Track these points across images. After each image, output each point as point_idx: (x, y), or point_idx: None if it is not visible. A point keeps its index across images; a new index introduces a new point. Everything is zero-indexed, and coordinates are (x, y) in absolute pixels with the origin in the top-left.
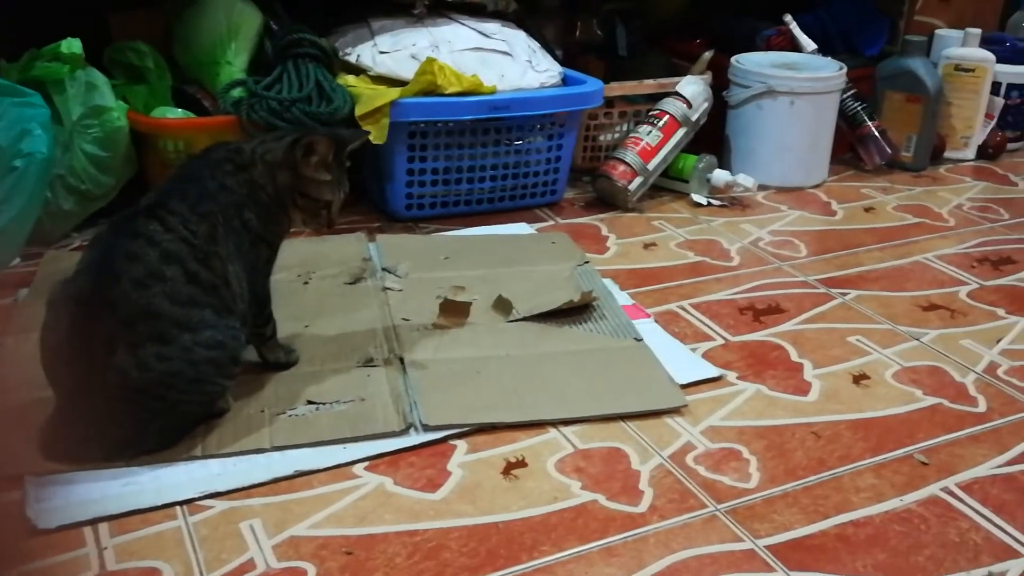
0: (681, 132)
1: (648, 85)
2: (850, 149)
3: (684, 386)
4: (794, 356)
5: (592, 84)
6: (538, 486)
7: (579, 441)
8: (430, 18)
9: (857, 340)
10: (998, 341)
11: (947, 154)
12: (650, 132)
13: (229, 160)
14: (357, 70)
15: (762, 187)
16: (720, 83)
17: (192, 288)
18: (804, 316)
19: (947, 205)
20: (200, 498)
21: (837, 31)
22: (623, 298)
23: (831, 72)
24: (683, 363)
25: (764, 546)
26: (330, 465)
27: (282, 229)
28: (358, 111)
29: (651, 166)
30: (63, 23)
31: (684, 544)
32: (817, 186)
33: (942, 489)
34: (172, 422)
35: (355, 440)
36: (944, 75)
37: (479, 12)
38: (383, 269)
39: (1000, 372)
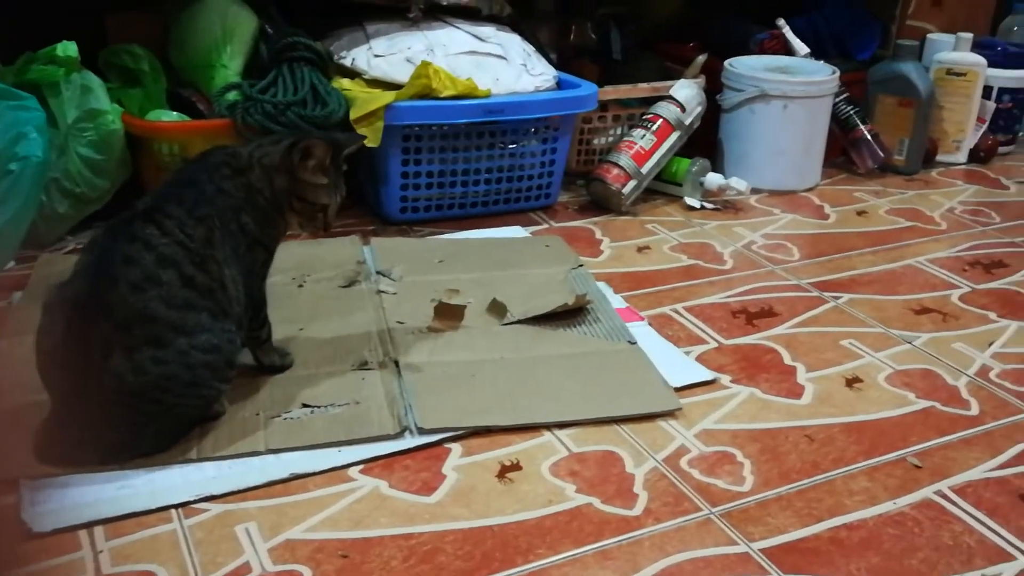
0: (675, 136)
1: (642, 89)
2: (843, 153)
3: (678, 389)
4: (787, 359)
5: (586, 88)
6: (533, 489)
7: (573, 444)
8: (425, 22)
9: (850, 343)
10: (990, 344)
11: (939, 158)
12: (644, 136)
13: (226, 164)
14: (352, 73)
15: (755, 191)
16: (713, 87)
17: (188, 292)
18: (797, 319)
19: (939, 208)
20: (195, 501)
21: (830, 35)
22: (617, 301)
23: (824, 76)
24: (677, 366)
25: (758, 549)
26: (325, 468)
27: (278, 232)
28: (353, 114)
29: (645, 169)
30: (58, 26)
31: (679, 547)
32: (810, 190)
33: (935, 492)
34: (167, 425)
35: (350, 443)
36: (936, 79)
37: (474, 16)
38: (377, 272)
39: (992, 375)
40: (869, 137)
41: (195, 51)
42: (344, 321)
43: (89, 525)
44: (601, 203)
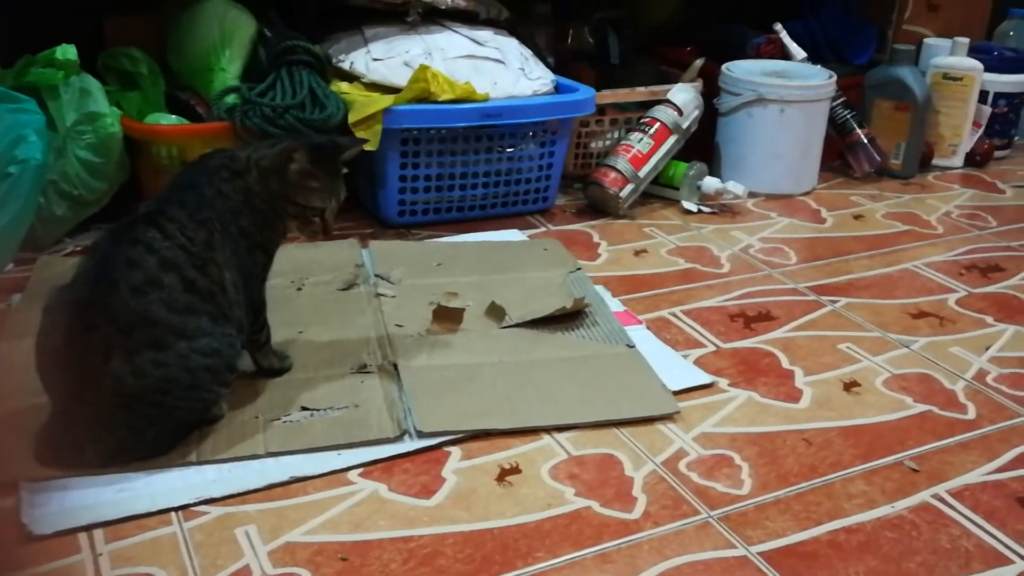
0: (672, 139)
1: (639, 93)
2: (839, 157)
3: (676, 393)
4: (785, 363)
5: (584, 92)
6: (532, 492)
7: (572, 448)
8: (423, 26)
9: (847, 347)
10: (987, 348)
11: (935, 162)
12: (641, 139)
13: (226, 167)
14: (350, 77)
15: (752, 194)
16: (711, 91)
17: (189, 296)
18: (795, 323)
19: (936, 212)
20: (195, 504)
21: (825, 40)
22: (615, 304)
23: (821, 80)
24: (675, 370)
25: (757, 553)
26: (325, 471)
27: (278, 236)
28: (351, 118)
29: (642, 173)
30: (57, 29)
31: (678, 551)
32: (807, 193)
33: (933, 496)
34: (166, 429)
35: (349, 446)
36: (932, 83)
37: (472, 20)
38: (376, 275)
39: (989, 379)
40: (866, 141)
41: (194, 54)
42: (343, 324)
43: (89, 528)
44: (598, 207)
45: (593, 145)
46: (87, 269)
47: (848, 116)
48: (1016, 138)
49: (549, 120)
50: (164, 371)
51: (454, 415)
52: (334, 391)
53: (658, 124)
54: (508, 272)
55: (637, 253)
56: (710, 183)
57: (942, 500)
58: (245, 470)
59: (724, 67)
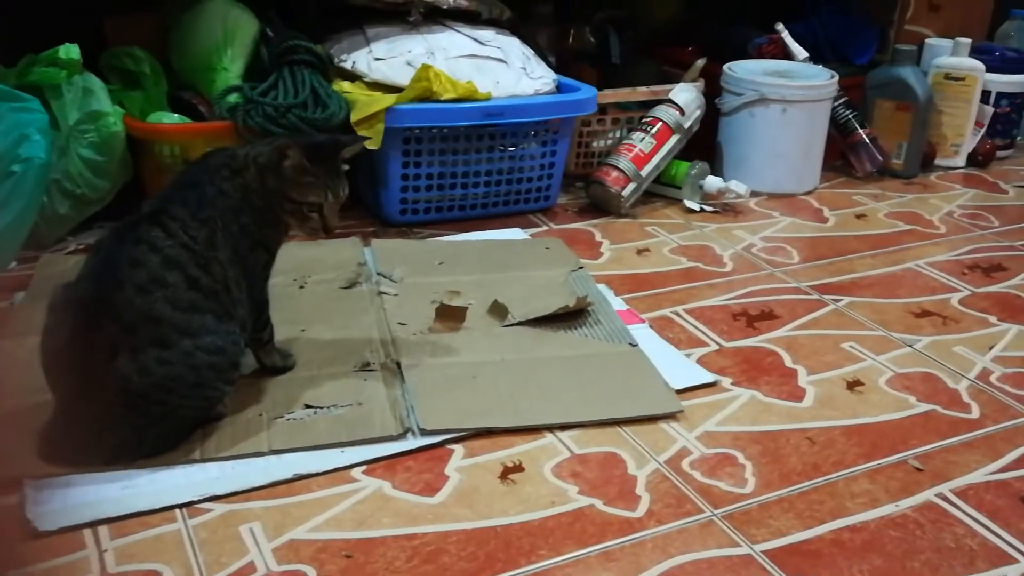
0: (674, 139)
1: (641, 92)
2: (841, 156)
3: (679, 391)
4: (788, 362)
5: (586, 91)
6: (535, 491)
7: (575, 446)
8: (425, 25)
9: (850, 346)
10: (990, 348)
11: (937, 162)
12: (643, 139)
13: (226, 165)
14: (352, 76)
15: (754, 193)
16: (712, 91)
17: (193, 294)
18: (797, 322)
19: (938, 212)
20: (199, 501)
21: (827, 40)
22: (617, 303)
23: (823, 80)
24: (678, 368)
25: (761, 551)
26: (328, 469)
27: (279, 234)
28: (353, 117)
29: (644, 172)
30: (60, 28)
31: (681, 549)
32: (809, 193)
33: (937, 495)
34: (170, 427)
35: (353, 444)
36: (934, 83)
37: (474, 19)
38: (378, 274)
39: (993, 379)
40: (868, 141)
41: (196, 54)
42: (345, 322)
43: (93, 524)
44: (600, 206)
45: (595, 144)
46: (91, 268)
47: (850, 116)
48: (1018, 138)
49: (551, 119)
50: (168, 369)
51: (457, 413)
52: (337, 389)
53: (660, 123)
54: (510, 271)
55: (639, 252)
56: (712, 182)
57: (946, 499)
58: (249, 467)
59: (726, 67)
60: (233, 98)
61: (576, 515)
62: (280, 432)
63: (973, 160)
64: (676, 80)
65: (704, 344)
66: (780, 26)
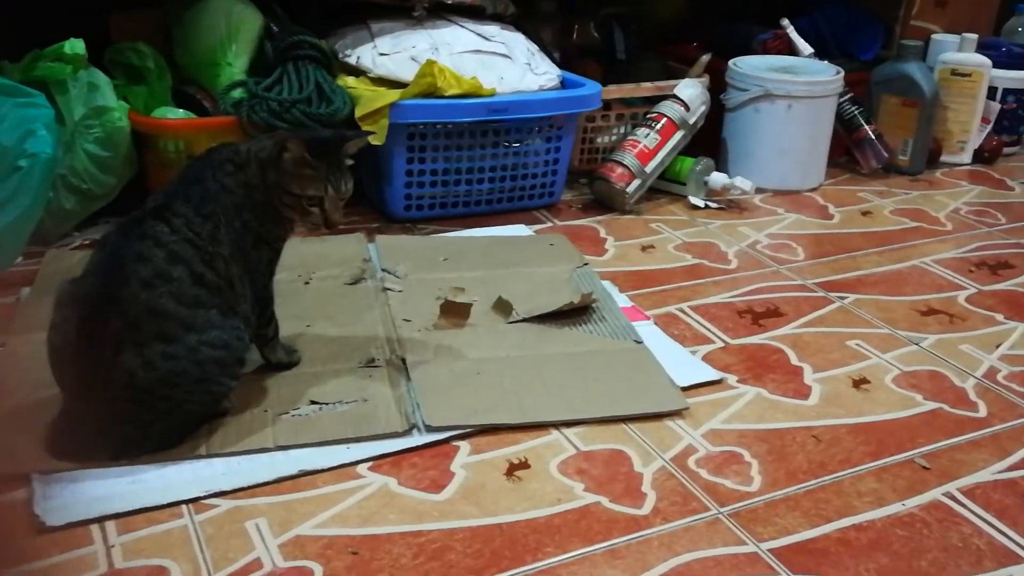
0: (679, 135)
1: (646, 88)
2: (846, 153)
3: (684, 389)
4: (794, 360)
5: (590, 87)
6: (541, 488)
7: (581, 443)
8: (430, 20)
9: (856, 344)
10: (997, 346)
11: (943, 158)
12: (648, 135)
13: (230, 161)
14: (357, 72)
15: (759, 190)
16: (717, 86)
17: (198, 289)
18: (803, 320)
19: (944, 209)
20: (205, 497)
21: (831, 36)
22: (622, 300)
23: (828, 76)
24: (683, 366)
25: (767, 549)
26: (334, 465)
27: (283, 230)
28: (358, 112)
29: (649, 168)
30: (64, 24)
31: (688, 547)
32: (814, 189)
33: (944, 494)
34: (175, 422)
35: (358, 440)
36: (940, 80)
37: (478, 15)
38: (383, 270)
39: (1000, 377)
40: (873, 137)
41: (200, 49)
42: (350, 319)
43: (101, 520)
44: (605, 202)
45: (599, 140)
46: (97, 263)
47: (855, 112)
48: None
49: (555, 115)
50: (174, 364)
51: (462, 410)
52: (342, 385)
53: (665, 119)
54: (514, 267)
55: (644, 248)
56: (717, 178)
57: (953, 498)
58: (254, 463)
59: (731, 63)
60: (237, 93)
61: (582, 512)
62: (285, 428)
63: (979, 156)
64: (681, 76)
65: (709, 341)
66: (785, 22)
